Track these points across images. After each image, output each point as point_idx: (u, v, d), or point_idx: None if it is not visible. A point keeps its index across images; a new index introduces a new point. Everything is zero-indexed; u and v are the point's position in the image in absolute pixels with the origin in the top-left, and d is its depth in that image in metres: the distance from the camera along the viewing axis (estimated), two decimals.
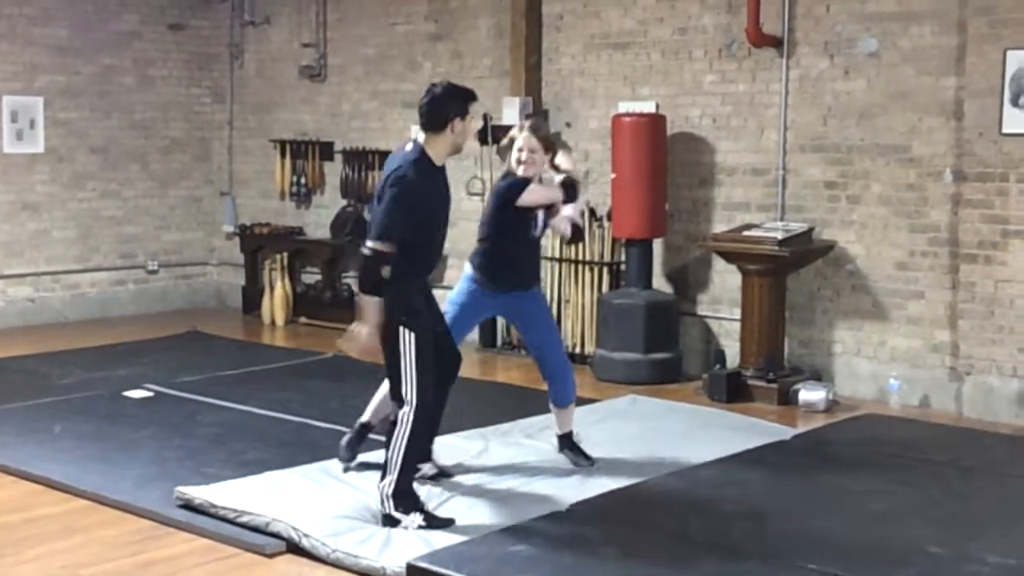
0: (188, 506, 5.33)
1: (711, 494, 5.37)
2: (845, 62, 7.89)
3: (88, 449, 6.33)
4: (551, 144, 5.93)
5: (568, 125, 9.25)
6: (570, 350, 8.96)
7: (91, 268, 10.89)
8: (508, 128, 9.09)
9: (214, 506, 5.26)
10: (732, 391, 7.69)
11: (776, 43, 8.13)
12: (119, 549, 4.95)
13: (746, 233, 7.91)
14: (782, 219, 8.10)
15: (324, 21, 10.79)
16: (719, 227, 8.38)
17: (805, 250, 7.86)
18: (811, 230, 7.94)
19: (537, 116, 6.14)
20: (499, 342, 9.48)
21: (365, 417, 5.90)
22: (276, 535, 5.00)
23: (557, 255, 9.05)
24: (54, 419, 6.90)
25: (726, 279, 8.38)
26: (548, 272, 9.18)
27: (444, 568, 4.32)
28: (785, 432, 6.76)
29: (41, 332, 10.05)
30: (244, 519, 5.14)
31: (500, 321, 9.52)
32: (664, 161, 8.43)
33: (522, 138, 5.80)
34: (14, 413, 7.08)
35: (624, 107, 8.71)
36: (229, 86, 11.58)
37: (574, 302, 8.98)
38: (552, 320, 6.23)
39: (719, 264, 8.36)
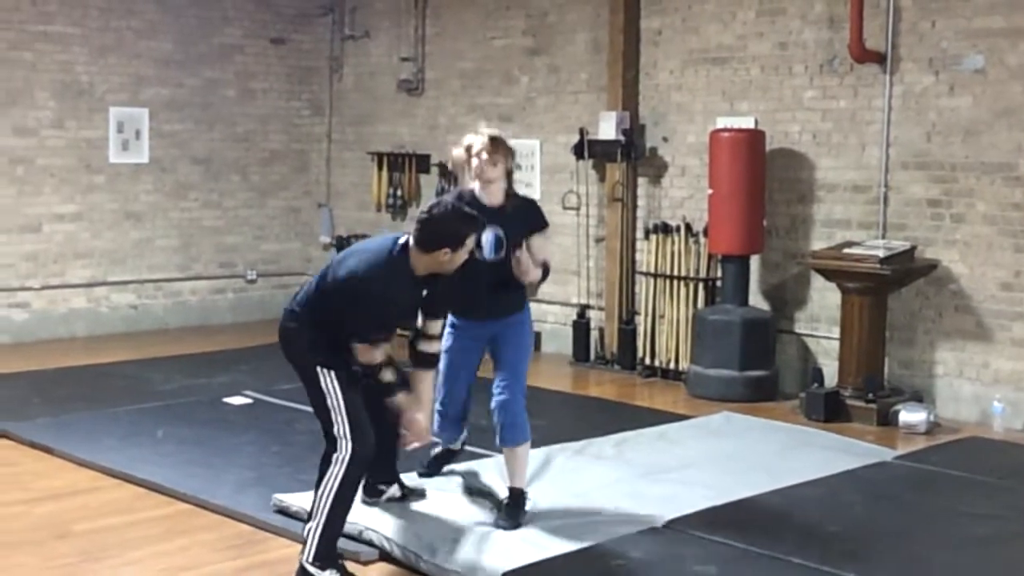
0: (285, 512, 5.40)
1: (810, 514, 5.30)
2: (950, 78, 7.75)
3: (189, 454, 6.45)
4: (506, 154, 5.31)
5: (665, 140, 9.21)
6: (664, 366, 8.94)
7: (192, 276, 11.10)
8: (605, 143, 9.21)
9: (308, 511, 5.30)
10: (830, 411, 7.57)
11: (879, 59, 8.01)
12: (219, 553, 5.03)
13: (847, 251, 7.79)
14: (883, 237, 7.97)
15: (422, 35, 10.90)
16: (818, 244, 8.27)
17: (907, 269, 7.72)
18: (913, 248, 7.80)
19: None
20: (592, 356, 9.46)
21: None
22: (369, 543, 5.03)
23: (653, 270, 9.01)
24: (156, 424, 7.04)
25: (825, 297, 8.27)
26: (643, 287, 9.16)
27: None
28: (885, 454, 6.64)
29: (143, 338, 10.27)
30: None
31: (594, 334, 9.51)
32: (762, 177, 8.35)
33: (480, 141, 5.22)
34: (118, 417, 7.24)
35: (722, 122, 8.66)
36: (328, 99, 11.75)
37: (669, 318, 8.93)
38: (520, 353, 5.50)
39: (818, 282, 8.25)
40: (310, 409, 7.39)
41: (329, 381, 4.75)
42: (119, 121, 10.52)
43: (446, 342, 5.39)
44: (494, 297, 5.30)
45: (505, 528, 5.14)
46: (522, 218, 5.28)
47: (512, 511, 5.26)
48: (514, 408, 5.35)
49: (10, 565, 4.86)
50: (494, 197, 5.26)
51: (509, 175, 5.32)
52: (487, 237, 5.15)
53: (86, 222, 10.42)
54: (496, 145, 5.21)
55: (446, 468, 5.94)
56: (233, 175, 11.34)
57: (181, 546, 5.12)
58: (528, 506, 5.31)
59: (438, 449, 5.89)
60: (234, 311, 11.34)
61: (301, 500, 5.41)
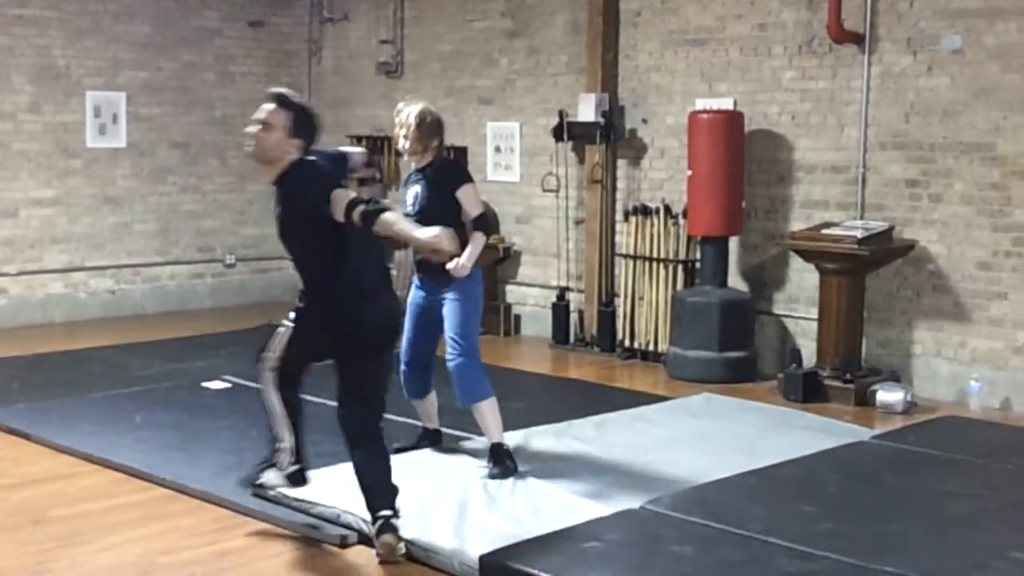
0: (262, 496, 5.39)
1: (787, 494, 5.31)
2: (928, 59, 7.76)
3: (167, 438, 6.43)
4: (427, 135, 5.77)
5: (644, 121, 9.21)
6: (643, 348, 8.95)
7: (170, 261, 11.06)
8: (584, 125, 9.20)
9: (287, 497, 5.31)
10: (808, 391, 7.59)
11: (857, 39, 8.01)
12: (197, 537, 5.03)
13: (825, 232, 7.81)
14: (862, 218, 7.99)
15: (401, 18, 10.86)
16: (797, 225, 8.29)
17: (885, 249, 7.74)
18: (891, 229, 7.82)
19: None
20: (572, 338, 9.47)
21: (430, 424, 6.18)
22: (348, 526, 5.03)
23: (632, 252, 9.01)
24: (135, 409, 7.02)
25: (803, 278, 8.29)
26: (623, 269, 9.16)
27: (517, 563, 4.32)
28: (862, 433, 6.67)
29: (121, 324, 10.23)
30: (317, 510, 5.19)
31: (573, 316, 9.51)
32: (741, 158, 8.35)
33: (398, 121, 5.81)
34: (96, 403, 7.22)
35: (701, 104, 8.66)
36: (307, 82, 11.69)
37: (648, 299, 8.94)
38: (459, 316, 5.76)
39: (796, 263, 8.26)
40: None
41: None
42: (96, 105, 10.46)
43: (410, 295, 5.90)
44: (426, 264, 5.58)
45: (497, 477, 5.58)
46: (443, 177, 5.73)
47: (497, 462, 5.68)
48: (465, 370, 5.70)
49: None
50: (415, 161, 5.81)
51: (434, 146, 5.76)
52: (410, 193, 5.74)
53: (63, 207, 10.37)
54: (410, 130, 5.71)
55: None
56: (212, 159, 11.29)
57: (159, 530, 5.11)
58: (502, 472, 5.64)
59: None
60: (213, 296, 11.30)
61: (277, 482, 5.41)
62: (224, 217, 11.42)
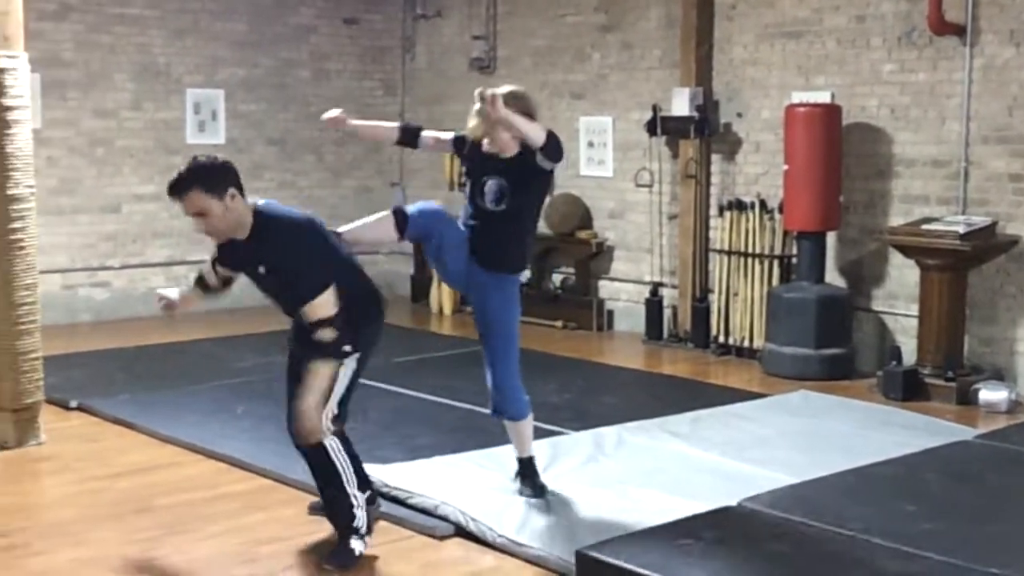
0: None
1: (888, 493, 5.22)
2: None
3: (268, 430, 6.51)
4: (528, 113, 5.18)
5: (739, 115, 9.12)
6: (738, 344, 8.87)
7: None
8: (678, 120, 9.14)
9: (387, 486, 5.37)
10: (908, 389, 7.47)
11: (959, 31, 7.85)
12: (297, 527, 5.10)
13: (925, 227, 7.67)
14: (963, 213, 7.83)
15: (494, 14, 10.89)
16: (896, 220, 8.15)
17: (988, 245, 7.57)
18: (994, 224, 7.65)
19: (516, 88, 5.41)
20: (665, 334, 9.42)
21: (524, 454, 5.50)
22: (444, 518, 5.07)
23: (727, 247, 8.94)
24: (235, 401, 7.15)
25: (903, 274, 8.15)
26: (717, 265, 9.09)
27: (614, 558, 4.30)
28: (965, 432, 6.54)
29: (220, 317, 10.39)
30: (414, 500, 5.24)
31: (667, 312, 9.47)
32: (839, 152, 8.24)
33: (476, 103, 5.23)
34: (198, 394, 7.36)
35: (798, 97, 8.55)
36: (401, 79, 11.79)
37: (743, 295, 8.86)
38: (500, 327, 5.32)
39: (896, 258, 8.12)
40: (386, 386, 7.56)
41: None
42: (196, 102, 10.66)
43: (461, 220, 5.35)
44: (488, 242, 5.23)
45: (531, 496, 5.27)
46: (524, 167, 5.16)
47: (529, 480, 5.37)
48: (506, 387, 5.29)
49: (93, 539, 4.98)
50: (502, 149, 5.22)
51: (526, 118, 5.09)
52: (490, 185, 5.19)
53: (164, 202, 10.46)
54: (484, 105, 5.07)
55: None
56: (307, 155, 11.44)
57: (261, 520, 5.20)
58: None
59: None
60: None
61: (379, 472, 5.48)
62: (319, 212, 11.46)
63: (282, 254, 4.62)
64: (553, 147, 5.06)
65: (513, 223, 5.23)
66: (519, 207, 5.21)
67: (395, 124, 5.84)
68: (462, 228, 5.30)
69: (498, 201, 5.17)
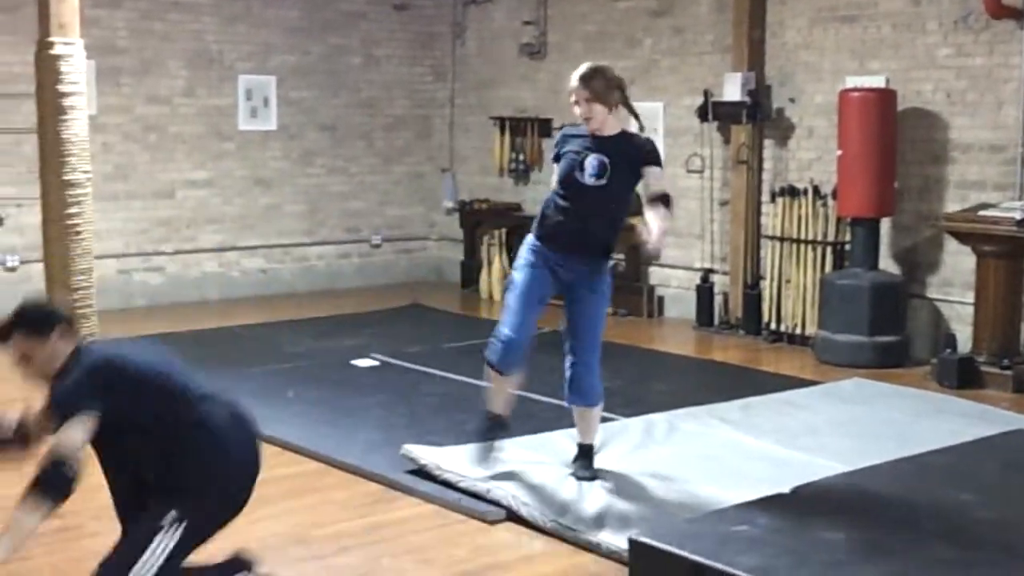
0: (413, 470, 5.48)
1: (943, 481, 5.17)
2: None
3: (319, 414, 6.59)
4: (601, 95, 5.10)
5: (792, 100, 9.04)
6: (790, 331, 8.81)
7: (319, 242, 11.30)
8: (730, 105, 9.07)
9: (439, 468, 5.39)
10: (963, 377, 7.38)
11: (1016, 14, 7.72)
12: (349, 511, 5.14)
13: (982, 213, 7.56)
14: (1021, 198, 7.70)
15: None
16: (952, 206, 8.04)
17: None
18: None
19: (595, 65, 5.23)
20: (716, 321, 9.38)
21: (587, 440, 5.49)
22: (496, 503, 5.08)
23: (778, 233, 8.88)
24: (287, 385, 7.20)
25: (959, 261, 8.04)
26: (768, 251, 9.02)
27: (667, 544, 4.29)
28: (1021, 421, 6.44)
29: (272, 302, 10.50)
30: (466, 484, 5.26)
31: (718, 299, 9.41)
32: (893, 138, 8.14)
33: (569, 87, 5.17)
34: (250, 378, 7.42)
35: (852, 82, 8.46)
36: (451, 64, 11.80)
37: (795, 282, 8.79)
38: (597, 320, 5.33)
39: (951, 245, 8.02)
40: (437, 371, 7.58)
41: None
42: (248, 89, 10.73)
43: (528, 256, 5.25)
44: (583, 228, 5.14)
45: (585, 480, 5.27)
46: (633, 151, 5.13)
47: (586, 464, 5.39)
48: (589, 378, 5.32)
49: None
50: (603, 131, 5.14)
51: (623, 102, 5.19)
52: (591, 160, 5.09)
53: (217, 188, 10.67)
54: (587, 91, 5.08)
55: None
56: (358, 141, 11.49)
57: (313, 503, 5.24)
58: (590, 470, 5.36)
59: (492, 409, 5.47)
60: (359, 275, 11.51)
61: (431, 455, 5.50)
62: (370, 198, 11.62)
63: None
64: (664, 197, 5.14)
65: (611, 201, 5.16)
66: (618, 185, 5.13)
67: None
68: (527, 261, 5.25)
69: (599, 175, 5.08)
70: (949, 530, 4.49)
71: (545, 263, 5.22)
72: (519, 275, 5.26)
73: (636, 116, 5.40)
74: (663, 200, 5.10)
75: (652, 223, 4.99)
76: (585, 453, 5.44)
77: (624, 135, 5.18)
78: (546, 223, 5.23)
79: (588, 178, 5.09)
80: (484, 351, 5.35)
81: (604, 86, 5.11)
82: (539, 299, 5.26)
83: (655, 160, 5.18)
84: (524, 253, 5.31)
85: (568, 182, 5.14)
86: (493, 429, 5.43)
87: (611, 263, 5.41)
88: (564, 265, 5.21)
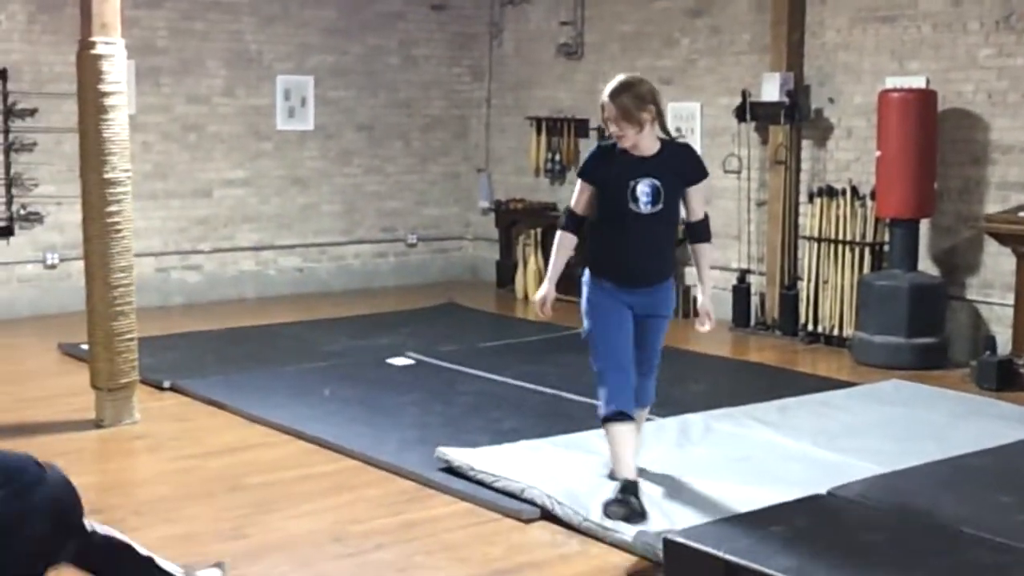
0: (448, 468, 5.49)
1: (982, 484, 5.12)
2: None
3: (355, 412, 6.61)
4: (632, 113, 4.80)
5: (831, 101, 8.99)
6: (827, 332, 8.76)
7: (355, 241, 11.34)
8: (768, 105, 9.03)
9: (473, 469, 5.40)
10: (1003, 379, 7.31)
11: None
12: (384, 508, 5.15)
13: (1023, 214, 7.49)
14: None
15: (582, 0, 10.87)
16: (992, 208, 7.97)
17: None
18: None
19: (626, 79, 4.91)
20: (752, 321, 9.33)
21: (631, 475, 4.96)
22: (530, 502, 5.08)
23: (816, 234, 8.82)
24: (323, 383, 7.23)
25: (999, 262, 7.97)
26: (806, 252, 8.98)
27: (702, 544, 4.28)
28: None
29: (308, 300, 10.55)
30: (500, 484, 5.25)
31: (754, 299, 9.37)
32: (934, 138, 8.07)
33: (603, 103, 4.88)
34: (287, 376, 7.46)
35: (892, 82, 8.40)
36: (488, 65, 11.81)
37: (833, 283, 8.74)
38: (662, 333, 5.21)
39: (991, 246, 7.95)
40: (472, 371, 7.60)
41: None
42: (286, 88, 10.79)
43: (596, 297, 5.00)
44: (646, 259, 4.99)
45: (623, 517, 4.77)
46: (678, 166, 4.96)
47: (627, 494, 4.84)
48: (651, 394, 5.32)
49: (186, 516, 5.07)
50: (642, 149, 4.90)
51: (657, 118, 4.89)
52: (643, 188, 4.85)
53: (254, 187, 10.73)
54: (616, 109, 4.80)
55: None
56: (395, 141, 11.52)
57: (349, 500, 5.26)
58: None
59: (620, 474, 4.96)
60: (395, 274, 11.54)
61: (465, 456, 5.51)
62: (406, 198, 11.65)
63: None
64: (706, 226, 5.15)
65: (668, 225, 5.01)
66: (672, 206, 4.97)
67: (561, 240, 5.16)
68: (598, 304, 5.02)
69: (654, 202, 4.87)
70: (989, 533, 4.45)
71: (616, 298, 4.98)
72: (598, 320, 4.98)
73: (668, 135, 5.07)
74: (704, 233, 5.11)
75: (709, 306, 5.14)
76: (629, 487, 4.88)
77: (668, 149, 4.96)
78: (602, 259, 5.00)
79: (644, 207, 4.86)
80: (597, 414, 5.01)
81: (635, 103, 4.80)
82: (628, 335, 5.01)
83: (701, 174, 5.06)
84: (588, 295, 5.04)
85: (621, 211, 4.88)
86: (627, 497, 4.82)
87: (672, 283, 5.19)
88: (632, 299, 4.99)
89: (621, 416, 4.94)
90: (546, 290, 5.11)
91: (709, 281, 5.18)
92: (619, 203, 4.88)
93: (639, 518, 4.74)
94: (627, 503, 4.78)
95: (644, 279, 5.01)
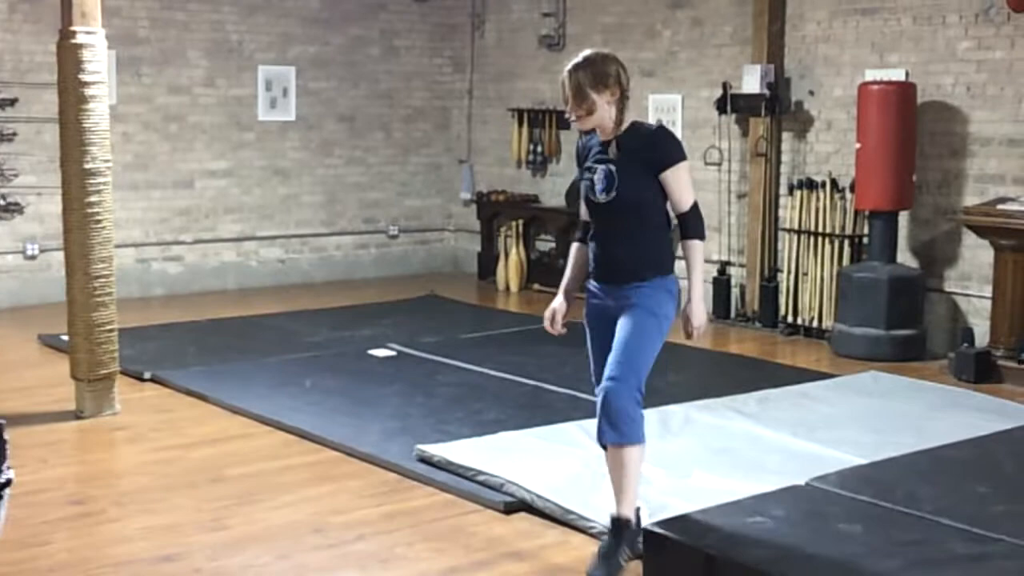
0: (428, 461, 5.51)
1: (960, 474, 5.16)
2: None
3: (336, 403, 6.61)
4: (584, 93, 4.31)
5: (811, 93, 9.02)
6: (807, 324, 8.80)
7: (336, 232, 11.33)
8: (748, 98, 9.06)
9: (451, 463, 5.41)
10: (980, 371, 7.37)
11: None
12: (366, 499, 5.16)
13: (1001, 207, 7.54)
14: None
15: None
16: (971, 200, 8.02)
17: None
18: None
19: (593, 53, 4.46)
20: (733, 313, 9.37)
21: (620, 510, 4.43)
22: (511, 495, 5.10)
23: (796, 226, 8.86)
24: (304, 374, 7.24)
25: (977, 254, 8.02)
26: (785, 244, 9.01)
27: (681, 536, 4.30)
28: None
29: (290, 292, 10.54)
30: (480, 478, 5.27)
31: (734, 291, 9.41)
32: (913, 131, 8.12)
33: (562, 82, 4.38)
34: (268, 367, 7.46)
35: (871, 75, 8.44)
36: (470, 56, 11.80)
37: (812, 275, 8.78)
38: (637, 329, 4.36)
39: (969, 239, 8.00)
40: (454, 362, 7.60)
41: None
42: (267, 79, 10.76)
43: (587, 304, 4.58)
44: (611, 255, 4.43)
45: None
46: (641, 149, 4.34)
47: (608, 552, 4.34)
48: (618, 402, 4.29)
49: (168, 507, 5.07)
50: (605, 133, 4.40)
51: (618, 100, 4.35)
52: (598, 175, 4.37)
53: (236, 178, 10.71)
54: (571, 85, 4.32)
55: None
56: (377, 132, 11.51)
57: (330, 491, 5.27)
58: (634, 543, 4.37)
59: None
60: (376, 266, 11.54)
61: (444, 451, 5.53)
62: (388, 189, 11.64)
63: None
64: (700, 223, 4.49)
65: (625, 217, 4.37)
66: (633, 194, 4.34)
67: (575, 251, 4.67)
68: (585, 311, 4.57)
69: (607, 188, 4.35)
70: (966, 523, 4.49)
71: (596, 302, 4.51)
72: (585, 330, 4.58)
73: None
74: (691, 227, 4.41)
75: (694, 309, 4.42)
76: (617, 530, 4.39)
77: (632, 131, 4.39)
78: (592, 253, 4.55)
79: (599, 194, 4.37)
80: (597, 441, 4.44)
81: (591, 80, 4.32)
82: (602, 349, 4.47)
83: (670, 157, 4.35)
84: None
85: (588, 201, 4.46)
86: (619, 538, 4.39)
87: (663, 280, 4.44)
88: (604, 296, 4.47)
89: (607, 442, 4.38)
90: (555, 303, 4.64)
91: (697, 285, 4.45)
92: (585, 192, 4.46)
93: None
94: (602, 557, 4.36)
95: (611, 276, 4.43)
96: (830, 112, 8.92)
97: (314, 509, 5.04)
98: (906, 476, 5.13)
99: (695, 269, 4.42)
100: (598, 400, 4.37)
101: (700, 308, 4.47)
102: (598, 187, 4.37)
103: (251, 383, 7.03)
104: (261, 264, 10.88)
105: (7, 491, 3.57)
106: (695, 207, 4.45)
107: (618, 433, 4.31)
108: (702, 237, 4.49)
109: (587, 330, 4.56)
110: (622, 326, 4.38)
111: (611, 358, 4.34)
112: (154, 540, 4.67)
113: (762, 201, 9.16)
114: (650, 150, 4.36)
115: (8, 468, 3.57)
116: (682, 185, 4.39)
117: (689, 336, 4.52)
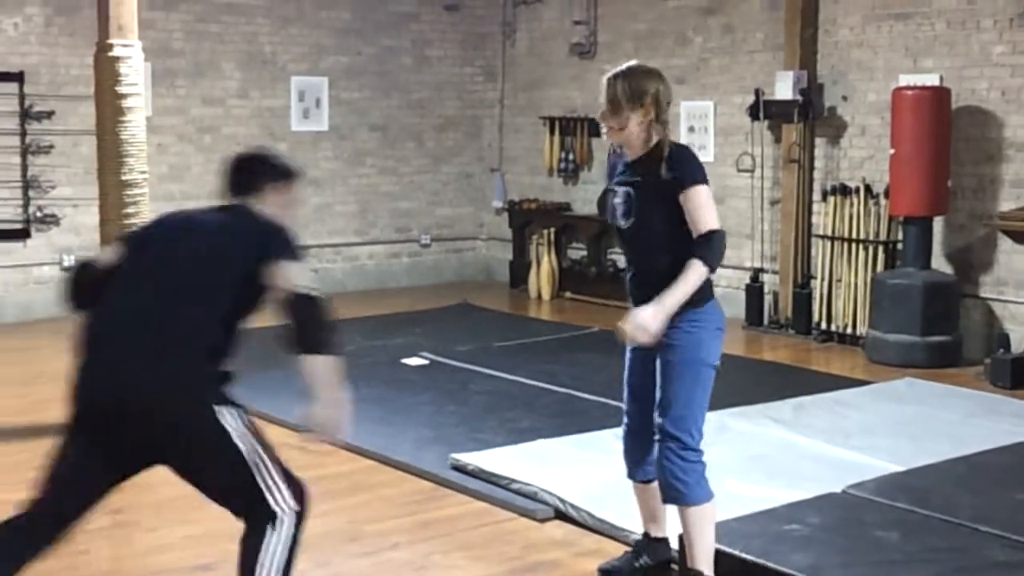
0: (462, 470, 5.52)
1: (997, 481, 5.14)
2: None
3: (370, 412, 6.62)
4: (619, 106, 4.02)
5: (845, 99, 8.99)
6: (840, 331, 8.76)
7: (369, 241, 11.38)
8: (781, 104, 9.03)
9: (485, 472, 5.42)
10: (1017, 377, 7.31)
11: None
12: (400, 508, 5.18)
13: None
14: None
15: None
16: (1007, 205, 7.97)
17: None
18: None
19: (637, 65, 4.16)
20: (766, 320, 9.34)
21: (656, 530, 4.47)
22: (545, 503, 5.10)
23: (829, 233, 8.83)
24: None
25: (1013, 260, 7.97)
26: (819, 250, 8.98)
27: (717, 543, 4.30)
28: None
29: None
30: (514, 486, 5.28)
31: (767, 298, 9.38)
32: (948, 136, 8.07)
33: (602, 86, 4.11)
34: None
35: (905, 80, 8.39)
36: (501, 65, 11.83)
37: (846, 281, 8.74)
38: (677, 378, 4.09)
39: (1006, 244, 7.95)
40: (487, 370, 7.61)
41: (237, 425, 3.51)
42: (300, 90, 10.83)
43: None
44: (637, 283, 4.12)
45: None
46: (660, 174, 3.99)
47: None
48: (673, 467, 4.09)
49: (203, 516, 5.07)
50: (632, 151, 4.13)
51: (652, 121, 4.03)
52: (618, 198, 4.11)
53: None
54: (607, 94, 4.05)
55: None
56: (409, 142, 11.55)
57: (365, 500, 5.29)
58: None
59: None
60: (409, 275, 11.58)
61: (477, 459, 5.54)
62: (420, 198, 11.68)
63: None
64: (713, 249, 3.96)
65: (649, 243, 4.07)
66: (651, 219, 4.04)
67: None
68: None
69: (627, 213, 4.09)
70: (1005, 530, 4.46)
71: None
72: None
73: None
74: (702, 249, 3.90)
75: (644, 312, 3.89)
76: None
77: (655, 151, 4.04)
78: None
79: (620, 219, 4.11)
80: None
81: (627, 95, 4.02)
82: (636, 378, 4.25)
83: (685, 180, 3.95)
84: None
85: (615, 229, 4.21)
86: (639, 551, 4.48)
87: (696, 313, 4.02)
88: None
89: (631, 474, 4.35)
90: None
91: (671, 296, 3.88)
92: (611, 217, 4.21)
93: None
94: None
95: (639, 302, 4.03)
96: (864, 117, 8.88)
97: (351, 518, 5.06)
98: (943, 483, 5.10)
99: (680, 283, 3.88)
100: (622, 432, 4.35)
101: (648, 315, 3.88)
102: (619, 211, 4.11)
103: (286, 392, 7.00)
104: None
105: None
106: (712, 234, 3.92)
107: (669, 493, 4.16)
108: (710, 264, 3.92)
109: (625, 355, 4.29)
110: (661, 374, 4.09)
111: (651, 408, 4.11)
112: (192, 549, 4.70)
113: (795, 207, 9.13)
114: (667, 172, 3.98)
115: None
116: (699, 209, 3.93)
117: (618, 332, 3.97)
